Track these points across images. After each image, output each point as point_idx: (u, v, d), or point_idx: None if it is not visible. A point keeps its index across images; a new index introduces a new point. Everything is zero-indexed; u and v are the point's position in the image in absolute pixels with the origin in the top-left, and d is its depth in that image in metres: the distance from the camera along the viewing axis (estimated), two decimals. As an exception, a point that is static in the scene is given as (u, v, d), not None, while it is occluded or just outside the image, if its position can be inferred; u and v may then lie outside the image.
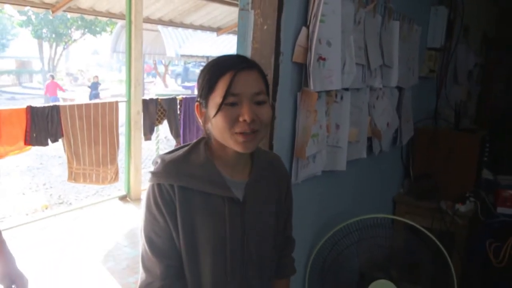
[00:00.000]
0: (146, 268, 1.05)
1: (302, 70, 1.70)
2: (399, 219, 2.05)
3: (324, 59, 1.75)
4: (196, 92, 1.30)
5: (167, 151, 1.12)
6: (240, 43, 1.67)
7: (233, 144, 1.00)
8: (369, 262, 1.79)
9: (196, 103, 1.06)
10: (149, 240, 1.04)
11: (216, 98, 0.98)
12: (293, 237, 1.35)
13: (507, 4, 5.36)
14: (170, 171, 1.03)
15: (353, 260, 1.82)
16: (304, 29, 1.68)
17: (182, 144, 1.15)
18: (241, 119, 0.97)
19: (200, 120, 1.06)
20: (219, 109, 0.97)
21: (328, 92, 1.83)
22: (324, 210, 2.04)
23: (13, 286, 1.35)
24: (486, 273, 2.41)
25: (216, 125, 0.99)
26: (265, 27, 1.62)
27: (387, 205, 2.82)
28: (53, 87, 14.29)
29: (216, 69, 1.01)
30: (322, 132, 1.80)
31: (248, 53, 1.63)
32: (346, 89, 1.98)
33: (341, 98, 1.95)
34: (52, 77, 15.14)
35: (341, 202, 2.21)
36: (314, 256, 1.90)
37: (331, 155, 1.92)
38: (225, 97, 0.96)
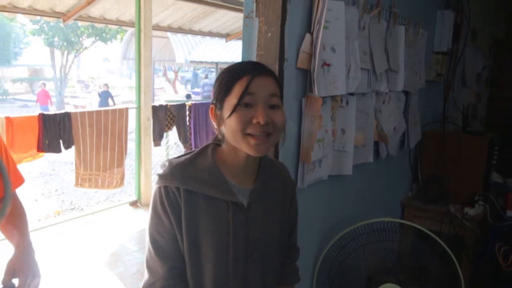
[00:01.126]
0: (149, 268, 1.07)
1: (306, 76, 1.72)
2: (407, 223, 2.06)
3: (328, 65, 1.77)
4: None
5: (176, 156, 1.15)
6: (245, 50, 1.70)
7: (245, 146, 1.01)
8: (376, 266, 1.80)
9: (211, 106, 1.08)
10: (154, 241, 1.06)
11: (232, 99, 1.00)
12: (298, 246, 1.35)
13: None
14: (176, 174, 1.05)
15: (360, 264, 1.83)
16: (308, 35, 1.70)
17: (192, 150, 1.18)
18: (254, 121, 0.99)
19: (214, 123, 1.08)
20: (234, 110, 1.00)
21: (333, 97, 1.85)
22: (331, 214, 2.06)
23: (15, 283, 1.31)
24: (495, 277, 2.39)
25: (229, 126, 1.01)
26: (269, 34, 1.64)
27: (395, 209, 2.81)
28: (43, 96, 13.51)
29: (234, 73, 1.04)
30: (328, 137, 1.82)
31: (253, 60, 1.65)
32: (352, 94, 1.99)
33: (347, 103, 1.97)
34: (44, 85, 14.52)
35: (348, 206, 2.22)
36: (321, 259, 1.91)
37: (337, 160, 1.93)
38: (241, 98, 0.99)
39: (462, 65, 3.74)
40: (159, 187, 1.06)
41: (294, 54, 1.68)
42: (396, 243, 1.80)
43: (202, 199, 1.05)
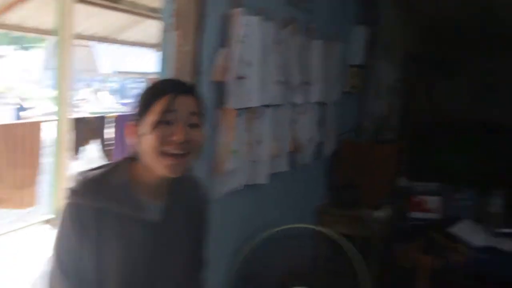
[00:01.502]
0: (51, 286, 1.03)
1: (221, 88, 1.77)
2: (318, 228, 2.14)
3: (243, 78, 1.83)
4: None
5: (89, 168, 1.11)
6: (163, 63, 1.72)
7: (161, 166, 1.01)
8: (290, 272, 1.86)
9: (128, 124, 1.06)
10: (59, 259, 1.03)
11: (152, 116, 1.00)
12: (206, 260, 1.32)
13: (429, 22, 5.80)
14: (87, 191, 1.03)
15: (274, 270, 1.88)
16: (223, 49, 1.75)
17: (105, 163, 1.15)
18: (174, 138, 0.99)
19: (130, 139, 1.07)
20: (153, 126, 0.99)
21: (248, 109, 1.91)
22: (247, 223, 2.09)
23: None
24: (398, 275, 2.56)
25: (146, 144, 1.00)
26: (186, 47, 1.67)
27: (312, 216, 2.91)
28: None
29: (155, 91, 1.04)
30: (243, 148, 1.87)
31: (170, 73, 1.67)
32: (267, 106, 2.07)
33: (262, 114, 2.04)
34: None
35: (265, 214, 2.27)
36: (236, 267, 1.94)
37: (252, 169, 1.99)
38: (161, 115, 0.99)
39: (376, 78, 4.00)
40: (69, 204, 1.03)
41: (209, 68, 1.72)
42: (310, 249, 1.87)
43: (113, 217, 1.03)
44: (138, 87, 17.76)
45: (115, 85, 22.81)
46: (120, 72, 12.16)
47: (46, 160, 4.60)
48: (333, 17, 2.97)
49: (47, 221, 4.85)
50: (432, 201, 2.85)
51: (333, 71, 2.91)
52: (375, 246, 2.64)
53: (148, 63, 12.30)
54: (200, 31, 1.68)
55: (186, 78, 1.65)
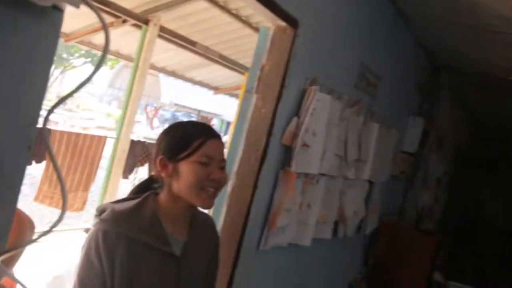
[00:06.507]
0: None
1: (287, 151, 1.94)
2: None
3: (308, 146, 2.00)
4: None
5: (114, 200, 1.21)
6: (239, 119, 1.91)
7: (198, 199, 1.12)
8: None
9: (160, 157, 1.14)
10: (81, 284, 1.06)
11: (191, 156, 1.11)
12: None
13: (479, 126, 5.87)
14: (118, 220, 1.08)
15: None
16: (295, 118, 1.95)
17: (129, 196, 1.22)
18: (211, 177, 1.12)
19: (161, 173, 1.15)
20: (194, 166, 1.11)
21: (306, 174, 2.07)
22: (284, 280, 2.20)
23: None
24: None
25: (185, 180, 1.11)
26: (263, 110, 1.87)
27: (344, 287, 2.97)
28: None
29: (190, 131, 1.16)
30: (295, 208, 2.01)
31: (244, 129, 1.86)
32: (323, 174, 2.22)
33: (317, 181, 2.19)
34: None
35: (301, 275, 2.37)
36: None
37: (299, 230, 2.12)
38: (199, 155, 1.11)
39: (425, 167, 4.09)
40: (97, 230, 1.07)
41: (280, 131, 1.90)
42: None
43: (140, 248, 1.08)
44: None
45: (167, 114, 23.73)
46: (176, 104, 12.73)
47: (99, 173, 4.89)
48: (394, 105, 3.14)
49: (87, 230, 5.08)
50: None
51: (386, 154, 3.05)
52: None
53: (204, 102, 12.87)
54: (278, 98, 1.88)
55: (259, 137, 1.84)
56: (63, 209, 0.68)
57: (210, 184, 1.13)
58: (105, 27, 0.67)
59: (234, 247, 1.75)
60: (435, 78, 3.75)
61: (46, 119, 0.73)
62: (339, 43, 2.20)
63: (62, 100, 0.73)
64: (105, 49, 0.69)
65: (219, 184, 1.16)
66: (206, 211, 1.33)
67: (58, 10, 0.75)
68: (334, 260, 2.76)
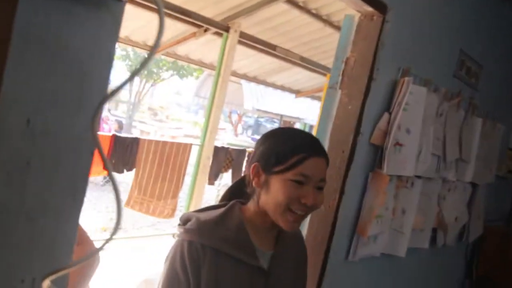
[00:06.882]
0: None
1: (377, 152, 1.76)
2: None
3: (401, 145, 1.80)
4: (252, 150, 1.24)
5: (197, 208, 1.14)
6: (323, 118, 1.78)
7: (282, 220, 1.02)
8: None
9: (255, 164, 1.06)
10: None
11: (285, 172, 1.01)
12: None
13: None
14: (204, 231, 1.03)
15: None
16: (386, 114, 1.76)
17: (214, 204, 1.16)
18: (303, 201, 1.00)
19: (252, 181, 1.07)
20: (287, 184, 1.01)
21: (399, 177, 1.86)
22: (376, 293, 2.01)
23: None
24: None
25: (273, 197, 1.02)
26: (350, 107, 1.71)
27: (444, 303, 2.68)
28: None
29: (292, 144, 1.04)
30: (388, 214, 1.82)
31: (328, 128, 1.72)
32: (418, 177, 1.99)
33: (412, 184, 1.97)
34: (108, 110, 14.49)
35: (395, 289, 2.16)
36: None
37: (392, 239, 1.91)
38: (295, 173, 1.00)
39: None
40: (182, 241, 1.03)
41: (369, 130, 1.73)
42: None
43: (227, 259, 1.03)
44: (272, 126, 18.52)
45: (250, 120, 24.17)
46: (259, 110, 12.85)
47: (186, 179, 5.02)
48: (500, 96, 2.78)
49: (174, 235, 5.24)
50: None
51: (491, 152, 2.70)
52: None
53: (286, 106, 12.82)
54: (366, 93, 1.71)
55: (344, 136, 1.69)
56: (118, 218, 0.60)
57: (300, 207, 1.01)
58: (160, 18, 0.58)
59: (321, 258, 1.61)
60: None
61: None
62: (434, 28, 1.97)
63: (107, 98, 0.65)
64: (157, 41, 0.60)
65: (311, 209, 1.04)
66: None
67: (117, 1, 0.67)
68: (432, 272, 2.48)
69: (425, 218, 2.12)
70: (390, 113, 1.76)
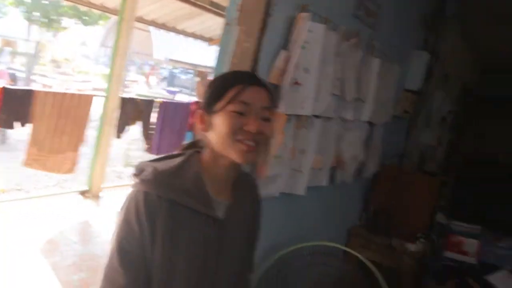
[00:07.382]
0: (108, 278, 0.99)
1: (275, 91, 1.73)
2: (349, 251, 2.08)
3: (299, 84, 1.79)
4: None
5: (153, 158, 1.08)
6: (220, 56, 1.70)
7: (234, 152, 0.99)
8: (313, 288, 1.81)
9: (199, 111, 1.06)
10: (120, 249, 0.99)
11: (226, 106, 1.00)
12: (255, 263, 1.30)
13: (487, 63, 5.59)
14: (161, 181, 1.00)
15: (300, 284, 1.83)
16: (283, 51, 1.72)
17: (170, 153, 1.11)
18: (246, 128, 0.98)
19: (200, 128, 1.05)
20: (227, 115, 0.99)
21: (298, 117, 1.87)
22: (278, 232, 2.05)
23: None
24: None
25: (219, 132, 1.00)
26: (247, 44, 1.65)
27: (342, 235, 2.84)
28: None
29: (227, 80, 1.04)
30: (286, 154, 1.83)
31: (226, 67, 1.65)
32: (317, 117, 2.02)
33: (311, 124, 1.99)
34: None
35: (297, 226, 2.23)
36: (261, 275, 1.90)
37: (291, 179, 1.94)
38: (234, 104, 0.99)
39: (429, 106, 3.87)
40: (137, 192, 0.99)
41: (267, 68, 1.69)
42: (338, 269, 1.81)
43: (182, 210, 1.00)
44: (186, 77, 18.04)
45: (164, 72, 23.35)
46: (172, 60, 12.38)
47: (90, 133, 4.73)
48: (396, 37, 2.88)
49: (82, 192, 4.99)
50: (470, 244, 2.72)
51: (387, 92, 2.82)
52: (401, 279, 2.53)
53: (200, 56, 12.49)
54: (263, 30, 1.65)
55: (242, 75, 1.63)
56: None
57: (246, 136, 0.99)
58: None
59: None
60: (441, 7, 3.45)
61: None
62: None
63: None
64: None
65: (258, 137, 0.99)
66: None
67: None
68: (332, 208, 2.61)
69: (324, 157, 2.18)
70: (287, 51, 1.73)
